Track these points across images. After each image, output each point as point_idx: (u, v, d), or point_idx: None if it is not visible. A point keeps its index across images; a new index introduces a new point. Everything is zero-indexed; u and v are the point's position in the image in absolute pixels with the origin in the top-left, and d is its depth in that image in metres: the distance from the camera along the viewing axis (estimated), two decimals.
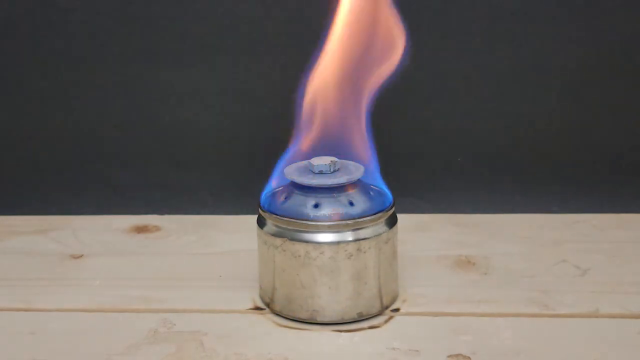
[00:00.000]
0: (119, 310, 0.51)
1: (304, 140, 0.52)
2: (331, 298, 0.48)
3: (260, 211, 0.50)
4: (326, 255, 0.48)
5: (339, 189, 0.49)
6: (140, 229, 0.64)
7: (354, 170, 0.50)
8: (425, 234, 0.62)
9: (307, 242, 0.48)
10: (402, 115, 0.66)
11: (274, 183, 0.52)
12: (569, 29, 0.64)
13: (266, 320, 0.50)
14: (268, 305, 0.51)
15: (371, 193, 0.50)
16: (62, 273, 0.57)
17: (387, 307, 0.50)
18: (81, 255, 0.60)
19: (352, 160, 0.52)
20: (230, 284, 0.55)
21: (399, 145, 0.66)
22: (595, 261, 0.56)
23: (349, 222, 0.48)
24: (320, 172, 0.50)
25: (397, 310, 0.51)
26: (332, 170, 0.50)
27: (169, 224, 0.65)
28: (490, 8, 0.64)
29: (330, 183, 0.49)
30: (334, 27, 0.52)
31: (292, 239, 0.48)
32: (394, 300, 0.51)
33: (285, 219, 0.49)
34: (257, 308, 0.51)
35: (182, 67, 0.66)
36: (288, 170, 0.51)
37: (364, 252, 0.48)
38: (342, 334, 0.48)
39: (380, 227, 0.49)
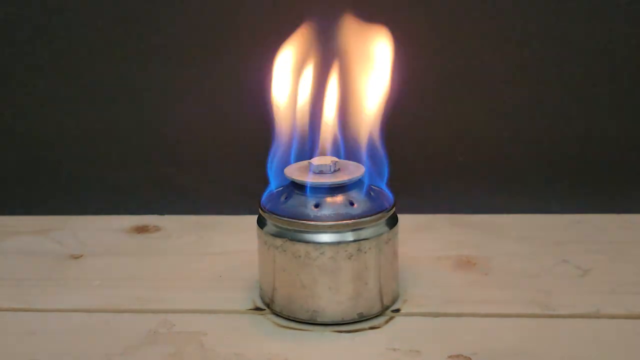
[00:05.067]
0: (119, 311, 0.51)
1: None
2: (331, 298, 0.48)
3: (260, 211, 0.50)
4: (326, 256, 0.48)
5: (340, 188, 0.49)
6: (140, 229, 0.64)
7: (355, 170, 0.50)
8: (425, 235, 0.62)
9: (307, 242, 0.48)
10: (402, 115, 0.66)
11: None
12: (570, 29, 0.64)
13: (266, 321, 0.50)
14: (268, 305, 0.51)
15: (372, 193, 0.50)
16: (62, 273, 0.57)
17: (387, 308, 0.50)
18: (81, 255, 0.59)
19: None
20: (230, 284, 0.54)
21: (399, 145, 0.66)
22: (596, 261, 0.56)
23: (349, 222, 0.48)
24: (321, 172, 0.50)
25: (397, 310, 0.51)
26: (332, 170, 0.50)
27: (169, 224, 0.65)
28: (490, 8, 0.64)
29: (330, 183, 0.49)
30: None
31: (293, 239, 0.48)
32: (394, 300, 0.51)
33: (286, 219, 0.48)
34: (257, 308, 0.51)
35: (182, 67, 0.66)
36: (288, 170, 0.51)
37: (365, 253, 0.48)
38: (343, 334, 0.48)
39: (381, 227, 0.49)
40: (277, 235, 0.49)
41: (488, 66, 0.65)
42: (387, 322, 0.49)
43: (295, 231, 0.48)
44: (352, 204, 0.49)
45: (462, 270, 0.56)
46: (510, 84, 0.65)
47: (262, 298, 0.52)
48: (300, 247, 0.48)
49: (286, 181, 0.51)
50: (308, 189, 0.49)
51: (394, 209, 0.50)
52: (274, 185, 0.52)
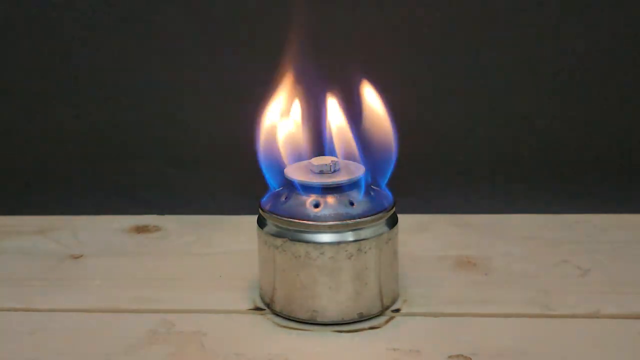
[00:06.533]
0: (119, 311, 0.51)
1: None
2: (331, 298, 0.48)
3: (260, 211, 0.50)
4: (326, 256, 0.48)
5: (340, 188, 0.49)
6: (140, 229, 0.64)
7: (354, 170, 0.50)
8: (426, 235, 0.62)
9: (307, 242, 0.48)
10: (402, 115, 0.66)
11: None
12: (569, 29, 0.64)
13: (266, 321, 0.50)
14: (268, 305, 0.51)
15: (372, 193, 0.50)
16: (62, 273, 0.57)
17: (387, 308, 0.50)
18: (81, 255, 0.59)
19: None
20: (230, 284, 0.54)
21: (399, 145, 0.66)
22: (596, 261, 0.56)
23: (349, 222, 0.48)
24: (321, 172, 0.49)
25: (397, 310, 0.51)
26: (332, 170, 0.50)
27: (169, 224, 0.65)
28: (489, 8, 0.64)
29: (330, 183, 0.49)
30: None
31: (293, 239, 0.48)
32: (394, 300, 0.51)
33: (286, 219, 0.48)
34: (257, 308, 0.51)
35: (182, 67, 0.66)
36: (288, 170, 0.51)
37: (365, 253, 0.48)
38: (343, 334, 0.48)
39: (381, 227, 0.49)
40: (277, 235, 0.49)
41: (488, 66, 0.65)
42: (387, 322, 0.49)
43: (295, 231, 0.48)
44: (352, 204, 0.49)
45: (462, 270, 0.56)
46: (509, 83, 0.65)
47: (262, 298, 0.52)
48: (300, 247, 0.48)
49: (285, 181, 0.51)
50: (308, 189, 0.49)
51: (394, 209, 0.50)
52: (269, 180, 0.51)
